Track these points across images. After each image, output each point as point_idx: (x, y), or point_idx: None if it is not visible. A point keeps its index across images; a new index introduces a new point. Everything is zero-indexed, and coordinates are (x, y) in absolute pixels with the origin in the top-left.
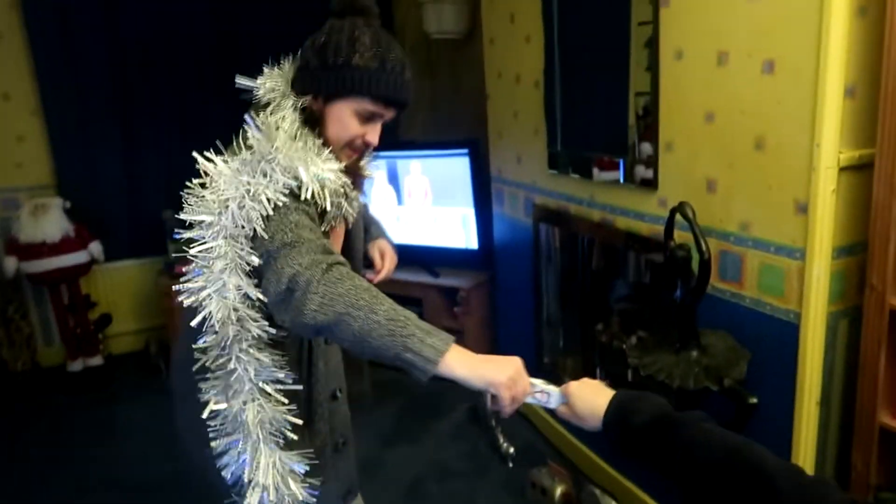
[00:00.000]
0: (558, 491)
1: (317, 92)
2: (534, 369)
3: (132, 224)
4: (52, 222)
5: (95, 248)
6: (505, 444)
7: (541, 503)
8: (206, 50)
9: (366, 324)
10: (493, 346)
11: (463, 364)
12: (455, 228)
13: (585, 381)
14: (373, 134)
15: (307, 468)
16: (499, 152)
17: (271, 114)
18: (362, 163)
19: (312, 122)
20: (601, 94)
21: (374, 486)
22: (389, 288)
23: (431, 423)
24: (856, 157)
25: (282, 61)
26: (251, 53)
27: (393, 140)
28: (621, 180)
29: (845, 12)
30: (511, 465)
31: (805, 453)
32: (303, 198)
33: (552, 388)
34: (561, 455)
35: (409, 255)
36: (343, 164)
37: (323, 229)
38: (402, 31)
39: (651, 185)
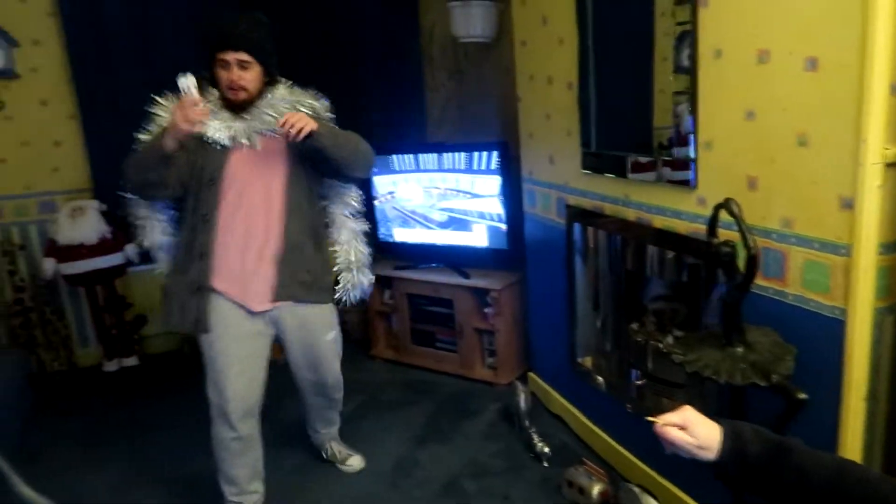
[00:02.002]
0: (596, 489)
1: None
2: (567, 369)
3: None
4: (89, 225)
5: (131, 250)
6: (539, 444)
7: (578, 502)
8: None
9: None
10: (526, 346)
11: None
12: (484, 229)
13: (690, 408)
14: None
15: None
16: (530, 153)
17: None
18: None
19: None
20: (636, 94)
21: (409, 483)
22: (423, 290)
23: (463, 422)
24: None
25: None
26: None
27: (422, 142)
28: (657, 179)
29: (890, 8)
30: (546, 464)
31: (852, 449)
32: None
33: None
34: (595, 454)
35: (439, 256)
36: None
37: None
38: (430, 34)
39: (689, 183)
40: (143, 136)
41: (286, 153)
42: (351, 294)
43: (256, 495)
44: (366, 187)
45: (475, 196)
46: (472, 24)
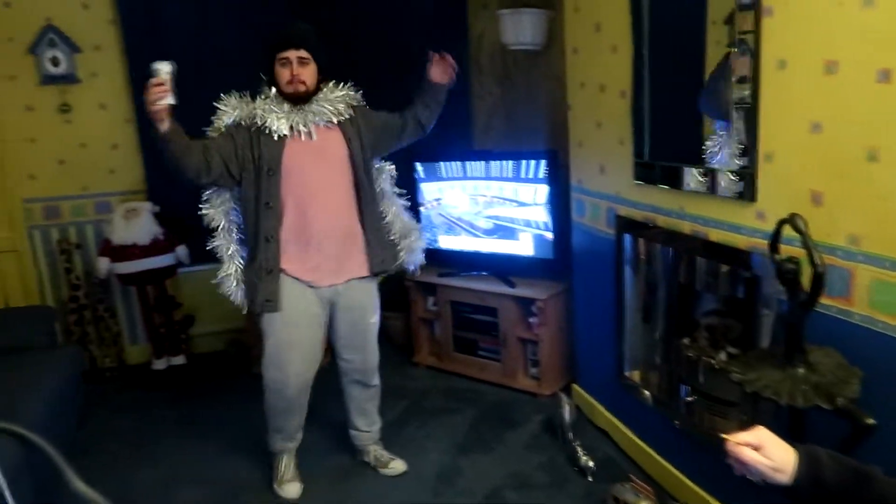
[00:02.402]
0: None
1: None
2: (613, 382)
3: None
4: (142, 226)
5: (182, 251)
6: (584, 457)
7: None
8: None
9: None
10: (570, 357)
11: None
12: (530, 238)
13: (764, 429)
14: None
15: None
16: (580, 162)
17: None
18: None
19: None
20: (691, 103)
21: (451, 492)
22: (466, 297)
23: (506, 433)
24: None
25: None
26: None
27: (468, 149)
28: (714, 192)
29: None
30: (590, 478)
31: None
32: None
33: None
34: (642, 471)
35: (485, 264)
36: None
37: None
38: (479, 41)
39: (748, 196)
40: (210, 130)
41: (342, 139)
42: (410, 259)
43: (299, 439)
44: (412, 193)
45: (522, 204)
46: (521, 31)
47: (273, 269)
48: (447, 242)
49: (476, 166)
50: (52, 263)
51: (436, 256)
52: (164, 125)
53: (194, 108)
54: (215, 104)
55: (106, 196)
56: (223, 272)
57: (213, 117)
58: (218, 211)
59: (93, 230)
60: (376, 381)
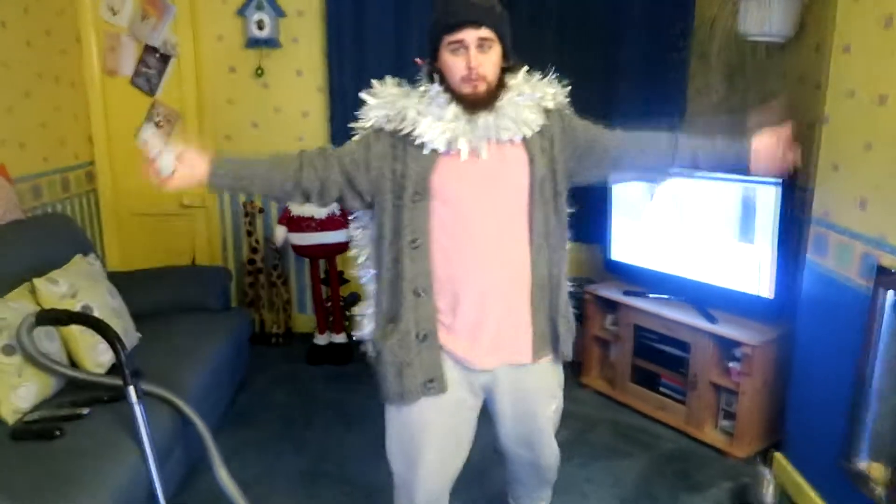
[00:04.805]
0: None
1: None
2: (835, 467)
3: None
4: None
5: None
6: None
7: None
8: None
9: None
10: (776, 418)
11: None
12: (745, 269)
13: None
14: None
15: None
16: (831, 189)
17: None
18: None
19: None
20: None
21: None
22: (653, 324)
23: (683, 495)
24: None
25: None
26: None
27: None
28: None
29: None
30: None
31: None
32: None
33: None
34: None
35: (680, 289)
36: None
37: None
38: (711, 28)
39: None
40: (356, 126)
41: (525, 160)
42: (568, 345)
43: None
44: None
45: (740, 228)
46: (768, 19)
47: (429, 334)
48: (636, 256)
49: (688, 177)
50: (237, 224)
51: (621, 270)
52: (195, 179)
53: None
54: (362, 94)
55: None
56: (363, 309)
57: (357, 112)
58: (368, 231)
59: None
60: (554, 473)
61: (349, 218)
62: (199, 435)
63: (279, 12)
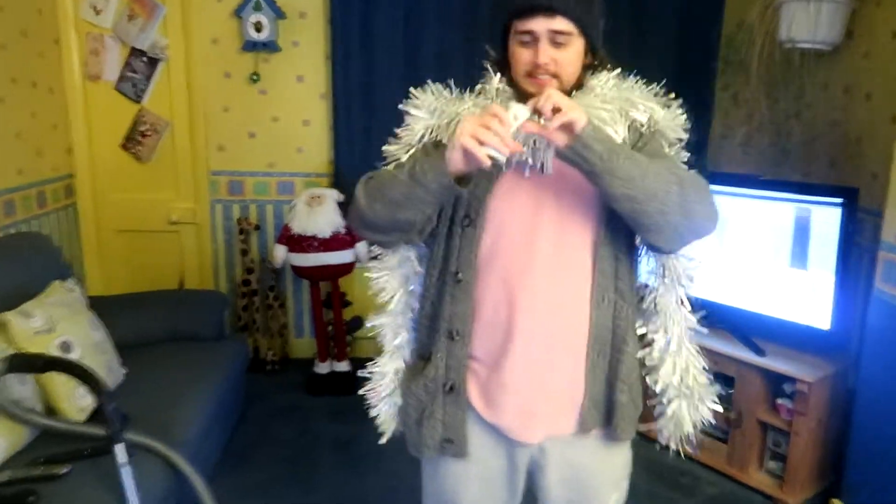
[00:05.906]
0: None
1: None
2: None
3: None
4: (325, 217)
5: (361, 249)
6: None
7: None
8: None
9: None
10: (832, 462)
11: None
12: (798, 298)
13: None
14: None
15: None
16: None
17: None
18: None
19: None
20: None
21: None
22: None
23: None
24: None
25: None
26: None
27: (724, 174)
28: None
29: None
30: None
31: None
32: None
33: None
34: None
35: (722, 316)
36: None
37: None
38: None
39: None
40: (392, 148)
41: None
42: (675, 434)
43: None
44: None
45: (792, 253)
46: (815, 25)
47: (456, 385)
48: None
49: (733, 195)
50: (230, 242)
51: None
52: (463, 171)
53: (390, 95)
54: (402, 107)
55: (290, 176)
56: (376, 367)
57: (399, 129)
58: (395, 274)
59: (273, 211)
60: None
61: (371, 262)
62: (197, 494)
63: (279, 14)
